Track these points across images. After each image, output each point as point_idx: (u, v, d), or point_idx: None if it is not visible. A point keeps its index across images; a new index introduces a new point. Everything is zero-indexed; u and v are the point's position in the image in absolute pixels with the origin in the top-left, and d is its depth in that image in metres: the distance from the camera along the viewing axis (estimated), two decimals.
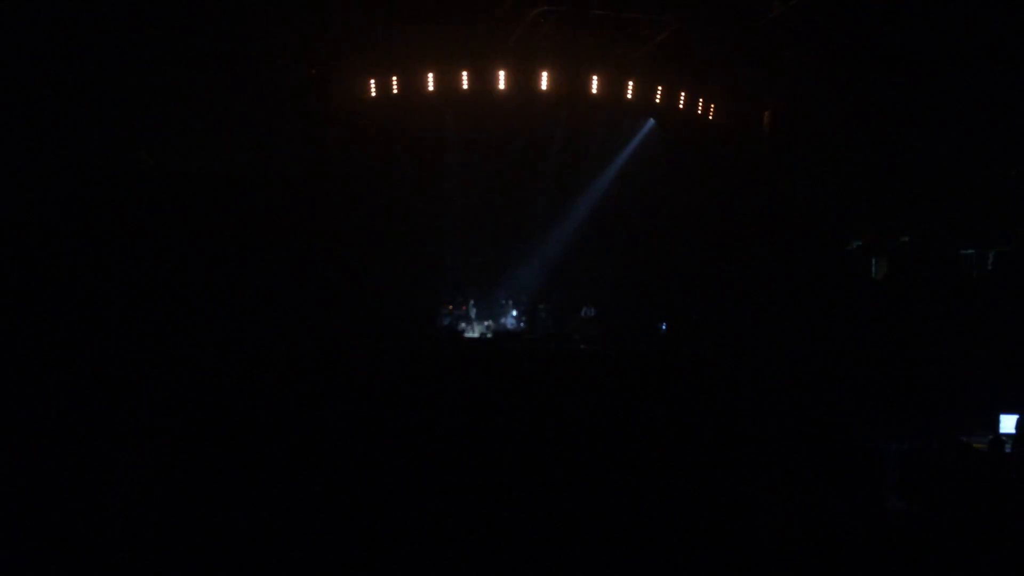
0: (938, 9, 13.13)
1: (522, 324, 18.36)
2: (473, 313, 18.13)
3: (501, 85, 15.22)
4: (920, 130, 19.71)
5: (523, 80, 15.20)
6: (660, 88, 16.31)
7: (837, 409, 8.47)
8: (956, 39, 14.06)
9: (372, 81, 15.02)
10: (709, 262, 18.27)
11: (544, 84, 15.18)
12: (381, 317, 14.52)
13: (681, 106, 16.70)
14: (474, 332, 17.40)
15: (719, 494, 5.33)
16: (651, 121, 18.90)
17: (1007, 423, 7.71)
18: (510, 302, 19.32)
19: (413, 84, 15.19)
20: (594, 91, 15.76)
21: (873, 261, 22.91)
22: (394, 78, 14.96)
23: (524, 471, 5.66)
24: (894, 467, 6.60)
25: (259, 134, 16.08)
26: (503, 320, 18.94)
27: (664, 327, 17.65)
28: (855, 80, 16.58)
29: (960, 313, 16.97)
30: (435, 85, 15.16)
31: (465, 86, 15.14)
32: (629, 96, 16.15)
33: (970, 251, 21.18)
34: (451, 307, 17.47)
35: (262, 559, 4.49)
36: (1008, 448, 6.97)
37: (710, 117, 17.16)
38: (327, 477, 5.38)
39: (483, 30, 14.03)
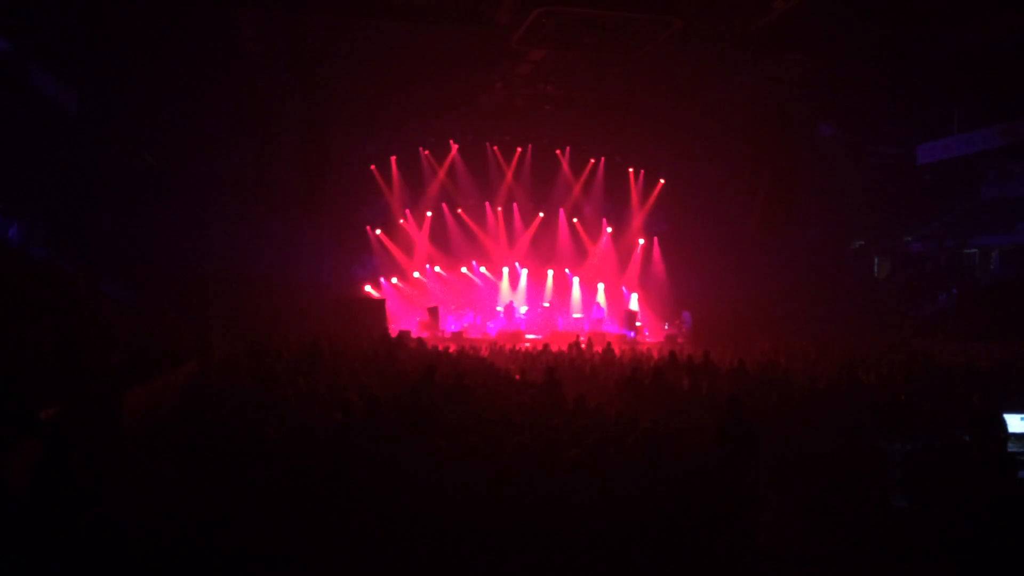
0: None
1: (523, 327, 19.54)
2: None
3: None
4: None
5: None
6: None
7: (842, 408, 8.44)
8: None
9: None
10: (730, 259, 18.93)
11: None
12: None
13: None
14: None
15: (720, 492, 5.30)
16: None
17: (1012, 423, 7.64)
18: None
19: None
20: None
21: (875, 260, 22.88)
22: None
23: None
24: (898, 466, 6.57)
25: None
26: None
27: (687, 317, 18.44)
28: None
29: (964, 312, 16.88)
30: None
31: None
32: None
33: (973, 250, 21.10)
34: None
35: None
36: (1012, 447, 6.91)
37: None
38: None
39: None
